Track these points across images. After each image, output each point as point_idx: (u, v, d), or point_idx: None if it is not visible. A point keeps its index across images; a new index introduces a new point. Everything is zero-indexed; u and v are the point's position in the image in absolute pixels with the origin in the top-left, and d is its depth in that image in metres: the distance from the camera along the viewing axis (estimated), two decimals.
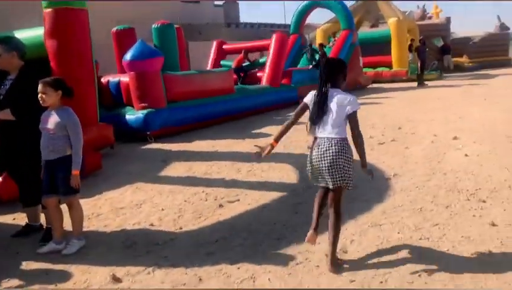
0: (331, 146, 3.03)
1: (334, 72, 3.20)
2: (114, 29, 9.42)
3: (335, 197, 3.12)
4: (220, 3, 26.36)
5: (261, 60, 13.15)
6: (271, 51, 11.43)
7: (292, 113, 3.42)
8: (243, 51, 12.77)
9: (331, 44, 16.13)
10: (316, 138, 3.20)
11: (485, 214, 3.75)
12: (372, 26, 22.62)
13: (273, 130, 8.44)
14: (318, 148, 3.11)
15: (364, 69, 18.28)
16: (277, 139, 3.41)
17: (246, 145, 7.22)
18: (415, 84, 15.74)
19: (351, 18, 15.31)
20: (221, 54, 14.54)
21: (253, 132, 8.44)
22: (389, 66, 18.32)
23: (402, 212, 3.96)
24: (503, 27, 27.31)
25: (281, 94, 11.38)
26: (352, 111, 3.05)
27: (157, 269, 3.16)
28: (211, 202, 4.57)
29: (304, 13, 15.92)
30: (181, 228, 3.97)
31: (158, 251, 3.50)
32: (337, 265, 3.02)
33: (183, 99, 8.70)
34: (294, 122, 3.41)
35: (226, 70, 10.17)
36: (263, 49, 12.30)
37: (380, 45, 18.53)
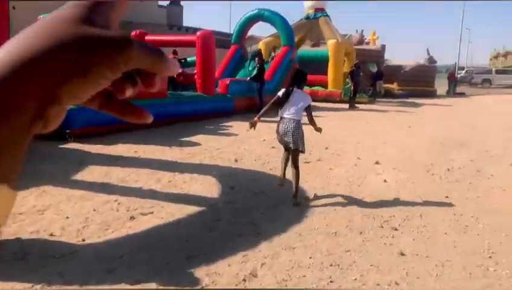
0: (292, 123, 4.81)
1: (299, 79, 5.03)
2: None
3: (294, 156, 4.97)
4: (165, 3, 25.89)
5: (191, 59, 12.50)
6: (197, 52, 11.13)
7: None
8: (172, 51, 12.13)
9: (270, 59, 16.26)
10: (282, 118, 4.94)
11: (395, 243, 3.82)
12: (314, 45, 23.21)
13: (203, 139, 8.31)
14: (283, 124, 4.89)
15: None
16: (259, 117, 5.38)
17: (171, 153, 6.99)
18: (347, 105, 16.25)
19: (291, 35, 15.53)
20: None
21: (181, 139, 8.19)
22: (325, 85, 18.81)
23: (317, 235, 3.93)
24: (431, 60, 29.20)
25: (216, 103, 11.22)
26: (307, 104, 4.87)
27: (46, 287, 2.85)
28: (122, 212, 4.29)
29: (246, 25, 15.93)
30: (84, 240, 3.67)
31: (53, 265, 3.18)
32: (298, 204, 4.72)
33: None
34: (271, 107, 5.34)
35: None
36: (189, 45, 11.60)
37: (318, 64, 19.02)
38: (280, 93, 5.04)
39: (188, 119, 10.22)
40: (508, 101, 23.36)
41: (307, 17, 20.40)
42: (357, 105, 16.49)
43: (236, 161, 6.66)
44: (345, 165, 6.68)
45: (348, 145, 8.35)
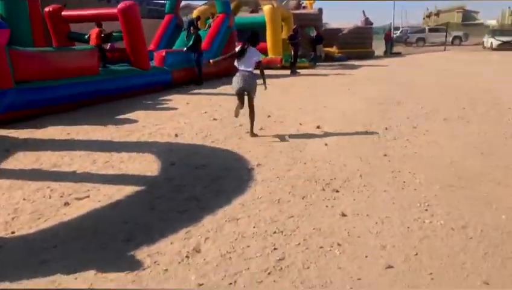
0: (246, 74, 6.13)
1: (253, 39, 6.40)
2: None
3: (250, 100, 6.38)
4: None
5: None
6: (121, 26, 10.54)
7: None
8: (96, 24, 11.17)
9: (207, 27, 15.83)
10: (239, 70, 6.17)
11: (337, 205, 3.88)
12: (252, 11, 22.90)
13: (142, 115, 8.01)
14: (239, 75, 6.15)
15: None
16: (216, 61, 7.26)
17: (106, 133, 6.68)
18: (288, 71, 16.27)
19: (227, 2, 15.18)
20: (61, 23, 12.21)
21: (117, 117, 7.85)
22: (265, 52, 18.66)
23: (260, 204, 3.91)
24: (368, 22, 29.73)
25: (152, 77, 10.81)
26: (258, 60, 6.26)
27: None
28: (56, 199, 4.04)
29: None
30: (13, 233, 3.43)
31: None
32: (254, 135, 6.34)
33: (36, 80, 7.72)
34: (229, 58, 6.64)
35: (90, 48, 9.26)
36: (112, 19, 10.83)
37: (257, 31, 18.80)
38: (237, 49, 6.25)
39: (124, 96, 9.83)
40: (440, 58, 24.47)
41: None
42: (298, 70, 16.54)
43: (176, 135, 6.47)
44: (287, 132, 6.68)
45: (290, 112, 8.36)
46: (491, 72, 16.28)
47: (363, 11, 29.45)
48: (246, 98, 6.39)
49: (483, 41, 33.33)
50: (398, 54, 29.64)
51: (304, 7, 27.63)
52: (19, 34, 7.92)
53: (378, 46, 30.79)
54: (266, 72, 16.71)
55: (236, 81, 6.19)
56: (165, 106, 9.15)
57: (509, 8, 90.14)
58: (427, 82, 12.92)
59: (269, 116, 7.95)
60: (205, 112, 8.31)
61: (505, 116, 7.74)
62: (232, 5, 20.90)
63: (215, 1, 15.24)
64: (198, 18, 15.54)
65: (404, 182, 4.40)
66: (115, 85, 9.53)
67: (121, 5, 10.53)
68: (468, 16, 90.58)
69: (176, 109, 8.70)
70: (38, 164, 5.09)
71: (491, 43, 30.82)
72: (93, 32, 10.99)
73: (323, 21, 27.68)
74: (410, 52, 30.70)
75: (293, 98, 10.17)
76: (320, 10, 25.60)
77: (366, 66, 20.06)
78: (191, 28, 12.85)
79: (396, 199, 3.97)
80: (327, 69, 18.25)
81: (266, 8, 18.19)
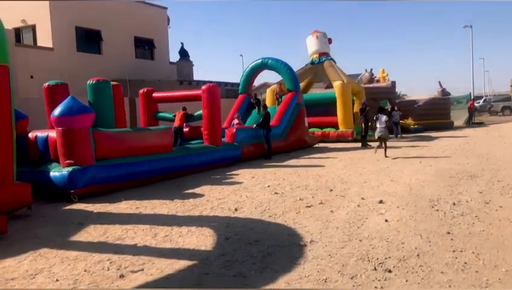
0: (382, 128, 12.60)
1: (380, 110, 13.47)
2: (46, 84, 9.24)
3: (385, 141, 12.50)
4: (176, 60, 26.82)
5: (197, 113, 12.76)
6: (202, 104, 11.45)
7: None
8: (181, 108, 12.62)
9: (277, 104, 16.50)
10: (376, 127, 12.77)
11: (387, 286, 3.67)
12: (327, 87, 23.49)
13: (207, 190, 8.34)
14: (378, 130, 12.67)
15: (312, 129, 18.74)
16: None
17: (172, 207, 7.00)
18: (359, 144, 16.17)
19: (296, 80, 15.80)
20: (151, 103, 13.75)
21: (185, 192, 8.23)
22: (336, 126, 18.80)
23: (306, 283, 3.82)
24: (445, 92, 29.10)
25: (223, 153, 11.34)
26: (387, 120, 12.92)
27: None
28: (113, 271, 4.27)
29: (251, 74, 16.35)
30: None
31: None
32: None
33: (115, 157, 8.47)
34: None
35: (164, 128, 10.04)
36: (196, 99, 12.02)
37: (328, 106, 19.15)
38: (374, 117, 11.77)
39: (196, 171, 10.34)
40: None
41: (312, 62, 20.77)
42: (369, 143, 16.37)
43: (236, 210, 6.62)
44: (347, 207, 6.55)
45: (354, 186, 8.23)
46: None
47: (439, 82, 28.98)
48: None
49: None
50: (480, 124, 28.27)
51: (378, 80, 27.76)
52: (103, 117, 8.85)
53: (459, 116, 29.70)
54: (336, 145, 16.98)
55: (378, 131, 12.56)
56: (230, 180, 9.46)
57: None
58: (508, 154, 12.09)
59: (331, 190, 7.88)
60: (268, 186, 8.44)
61: None
62: (304, 83, 21.77)
63: (285, 79, 15.94)
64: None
65: (465, 263, 4.07)
66: (187, 161, 10.09)
67: (205, 86, 11.56)
68: None
69: (240, 183, 8.95)
70: (105, 237, 5.45)
71: None
72: (179, 114, 12.38)
73: (403, 93, 27.56)
74: (494, 122, 29.10)
75: (360, 171, 10.02)
76: (393, 83, 25.62)
77: (444, 137, 19.36)
78: (261, 106, 13.51)
79: (454, 281, 3.67)
80: (401, 141, 17.85)
81: (336, 84, 18.66)
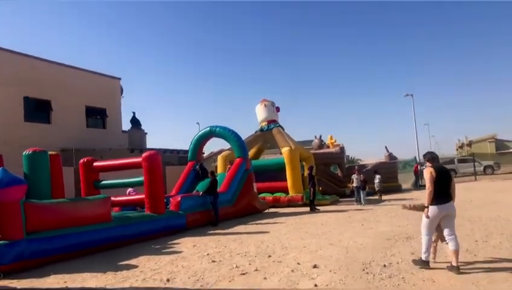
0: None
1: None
2: None
3: None
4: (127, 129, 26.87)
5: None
6: (143, 172, 11.35)
7: None
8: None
9: (227, 170, 16.66)
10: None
11: None
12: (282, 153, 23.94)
13: (144, 260, 8.09)
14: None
15: (264, 194, 18.89)
16: None
17: (103, 280, 6.73)
18: (309, 209, 16.37)
19: (244, 147, 16.13)
20: (91, 172, 13.35)
21: (120, 263, 7.94)
22: (287, 191, 19.05)
23: None
24: (392, 156, 30.30)
25: (165, 221, 11.14)
26: None
27: None
28: None
29: (200, 142, 16.59)
30: None
31: None
32: None
33: (49, 229, 8.15)
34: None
35: (102, 197, 9.84)
36: (137, 167, 11.80)
37: (279, 171, 19.50)
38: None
39: (135, 241, 10.06)
40: (468, 188, 23.99)
41: (261, 129, 21.38)
42: (317, 207, 16.62)
43: (168, 280, 6.44)
44: (281, 273, 6.52)
45: (293, 251, 8.25)
46: None
47: (386, 147, 30.21)
48: None
49: None
50: None
51: (327, 146, 28.71)
52: (38, 188, 8.63)
53: (408, 179, 30.88)
54: (287, 209, 17.05)
55: None
56: (170, 249, 9.24)
57: None
58: None
59: (270, 256, 7.86)
60: (207, 254, 8.31)
61: None
62: (254, 149, 22.22)
63: (233, 147, 16.26)
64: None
65: None
66: (126, 231, 9.84)
67: (145, 154, 11.54)
68: (500, 145, 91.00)
69: (180, 252, 8.77)
70: None
71: None
72: None
73: (357, 157, 28.43)
74: None
75: (302, 235, 10.08)
76: (341, 149, 26.53)
77: (390, 199, 19.92)
78: (208, 174, 13.57)
79: None
80: (348, 205, 18.22)
81: (284, 150, 19.18)
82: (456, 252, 5.97)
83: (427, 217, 6.14)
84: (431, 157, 6.45)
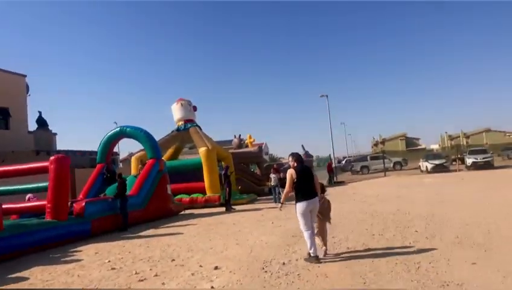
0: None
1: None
2: None
3: None
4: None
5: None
6: (49, 176, 10.63)
7: None
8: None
9: (139, 172, 16.12)
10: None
11: None
12: None
13: (37, 272, 7.52)
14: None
15: (180, 196, 18.57)
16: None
17: None
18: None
19: (156, 147, 15.69)
20: None
21: (9, 276, 7.31)
22: (204, 192, 18.89)
23: None
24: (308, 154, 31.36)
25: (67, 228, 10.47)
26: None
27: None
28: None
29: (109, 143, 15.85)
30: None
31: None
32: None
33: None
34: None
35: None
36: (42, 171, 11.03)
37: (196, 172, 19.25)
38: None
39: (33, 250, 9.36)
40: (377, 184, 25.49)
41: (178, 129, 21.02)
42: (233, 207, 16.64)
43: None
44: (181, 277, 6.37)
45: (199, 253, 8.13)
46: (414, 194, 16.98)
47: (302, 146, 31.29)
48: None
49: (419, 165, 35.36)
50: (342, 183, 30.72)
51: (246, 146, 28.98)
52: None
53: (324, 177, 32.03)
54: (203, 210, 16.86)
55: None
56: (70, 258, 8.70)
57: (446, 132, 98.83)
58: (352, 210, 13.19)
59: (173, 259, 7.67)
60: (108, 261, 7.93)
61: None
62: (172, 149, 21.78)
63: (145, 147, 15.76)
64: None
65: None
66: (20, 241, 9.10)
67: (53, 157, 10.82)
68: (410, 142, 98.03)
69: (79, 260, 8.28)
70: None
71: (426, 166, 32.73)
72: None
73: (280, 156, 28.93)
74: (353, 180, 31.89)
75: (211, 236, 9.99)
76: (260, 148, 26.93)
77: None
78: (116, 175, 12.95)
79: None
80: (264, 203, 18.47)
81: (201, 149, 19.00)
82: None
83: (298, 212, 6.63)
84: (295, 159, 6.88)
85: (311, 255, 6.59)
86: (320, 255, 6.74)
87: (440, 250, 6.82)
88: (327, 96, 35.84)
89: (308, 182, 6.69)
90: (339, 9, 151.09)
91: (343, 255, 6.98)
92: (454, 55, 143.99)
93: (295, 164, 6.82)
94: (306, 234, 6.60)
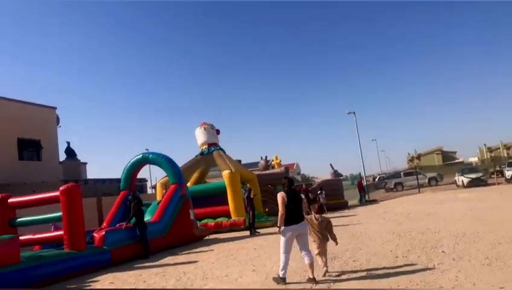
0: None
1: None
2: None
3: None
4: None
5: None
6: (61, 207, 10.63)
7: None
8: None
9: (162, 197, 16.08)
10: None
11: None
12: None
13: None
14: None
15: (206, 220, 18.38)
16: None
17: None
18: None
19: (179, 173, 15.62)
20: (7, 209, 12.20)
21: None
22: (230, 215, 18.63)
23: None
24: (337, 174, 30.70)
25: (86, 258, 10.39)
26: None
27: None
28: None
29: (133, 170, 15.92)
30: None
31: None
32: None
33: None
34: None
35: (7, 237, 9.08)
36: (54, 201, 11.08)
37: (221, 195, 19.07)
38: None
39: (52, 281, 9.33)
40: (411, 201, 24.52)
41: (202, 153, 21.01)
42: (258, 230, 16.29)
43: None
44: None
45: (212, 281, 7.86)
46: (447, 210, 16.16)
47: (331, 165, 30.64)
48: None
49: (455, 180, 34.00)
50: (374, 201, 29.82)
51: (273, 167, 28.69)
52: None
53: (355, 196, 31.29)
54: (228, 235, 16.58)
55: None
56: (85, 288, 8.58)
57: (485, 145, 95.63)
58: (378, 230, 12.63)
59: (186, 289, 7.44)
60: None
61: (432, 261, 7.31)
62: (197, 173, 21.77)
63: (167, 173, 15.74)
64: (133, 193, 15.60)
65: None
66: (38, 272, 9.10)
67: (63, 187, 10.85)
68: (447, 156, 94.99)
69: None
70: None
71: (462, 181, 31.42)
72: None
73: (312, 175, 28.51)
74: (386, 198, 30.94)
75: (229, 263, 9.68)
76: (286, 169, 26.54)
77: (332, 218, 19.87)
78: (132, 204, 12.83)
79: None
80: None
81: (225, 173, 18.85)
82: (311, 265, 6.63)
83: (283, 235, 6.70)
84: (286, 182, 7.02)
85: (281, 276, 6.66)
86: (320, 276, 6.86)
87: (466, 272, 6.30)
88: (354, 113, 35.31)
89: (297, 206, 6.80)
90: (372, 28, 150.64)
91: (364, 281, 6.56)
92: (494, 66, 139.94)
93: (286, 188, 6.90)
94: (283, 256, 6.69)
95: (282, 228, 6.67)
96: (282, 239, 6.72)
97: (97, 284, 8.87)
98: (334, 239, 7.45)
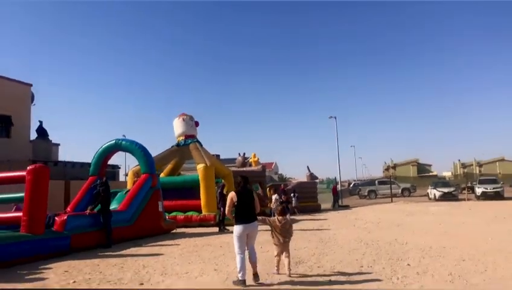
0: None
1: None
2: None
3: None
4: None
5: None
6: (25, 187, 10.15)
7: None
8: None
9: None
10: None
11: None
12: None
13: None
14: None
15: (175, 213, 18.03)
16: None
17: None
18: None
19: (151, 163, 15.24)
20: None
21: None
22: (200, 210, 18.32)
23: None
24: (313, 176, 30.66)
25: (41, 243, 9.92)
26: None
27: None
28: None
29: (104, 156, 15.45)
30: None
31: None
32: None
33: None
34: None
35: None
36: (19, 181, 10.60)
37: (194, 189, 18.73)
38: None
39: (2, 265, 8.86)
40: (382, 210, 24.67)
41: (178, 144, 20.63)
42: (227, 227, 16.03)
43: None
44: None
45: (171, 278, 7.56)
46: (417, 222, 16.23)
47: (307, 167, 30.55)
48: None
49: (428, 193, 34.42)
50: (346, 207, 29.92)
51: (250, 165, 28.48)
52: None
53: (328, 199, 31.35)
54: (196, 230, 16.27)
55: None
56: (35, 276, 8.11)
57: (459, 160, 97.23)
58: (347, 238, 12.53)
59: (142, 283, 7.12)
60: (73, 282, 7.40)
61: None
62: (171, 165, 21.36)
63: (139, 162, 15.35)
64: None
65: None
66: None
67: (30, 167, 10.43)
68: (422, 169, 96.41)
69: (43, 279, 7.75)
70: None
71: (434, 194, 31.81)
72: None
73: (289, 176, 28.35)
74: (359, 205, 31.09)
75: (192, 259, 9.40)
76: (263, 168, 26.37)
77: (302, 220, 19.82)
78: (100, 189, 12.44)
79: None
80: (264, 225, 17.81)
81: (199, 166, 18.53)
82: (255, 263, 6.75)
83: (234, 233, 6.74)
84: (241, 181, 7.07)
85: (240, 278, 6.53)
86: (286, 277, 6.98)
87: (428, 288, 6.18)
88: (335, 118, 35.37)
89: (248, 205, 6.79)
90: (354, 35, 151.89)
91: (323, 287, 6.38)
92: (472, 83, 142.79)
93: (239, 187, 6.95)
94: (238, 257, 6.60)
95: (235, 227, 6.75)
96: (235, 239, 6.72)
97: (50, 272, 8.45)
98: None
